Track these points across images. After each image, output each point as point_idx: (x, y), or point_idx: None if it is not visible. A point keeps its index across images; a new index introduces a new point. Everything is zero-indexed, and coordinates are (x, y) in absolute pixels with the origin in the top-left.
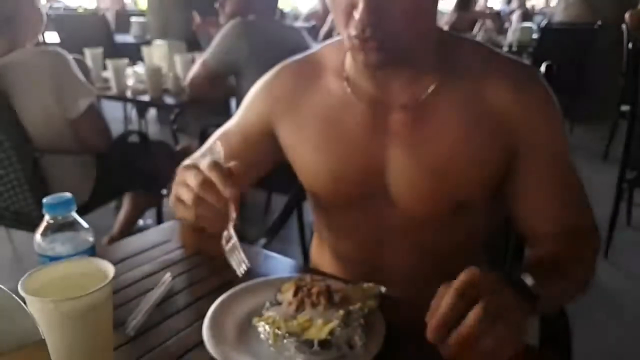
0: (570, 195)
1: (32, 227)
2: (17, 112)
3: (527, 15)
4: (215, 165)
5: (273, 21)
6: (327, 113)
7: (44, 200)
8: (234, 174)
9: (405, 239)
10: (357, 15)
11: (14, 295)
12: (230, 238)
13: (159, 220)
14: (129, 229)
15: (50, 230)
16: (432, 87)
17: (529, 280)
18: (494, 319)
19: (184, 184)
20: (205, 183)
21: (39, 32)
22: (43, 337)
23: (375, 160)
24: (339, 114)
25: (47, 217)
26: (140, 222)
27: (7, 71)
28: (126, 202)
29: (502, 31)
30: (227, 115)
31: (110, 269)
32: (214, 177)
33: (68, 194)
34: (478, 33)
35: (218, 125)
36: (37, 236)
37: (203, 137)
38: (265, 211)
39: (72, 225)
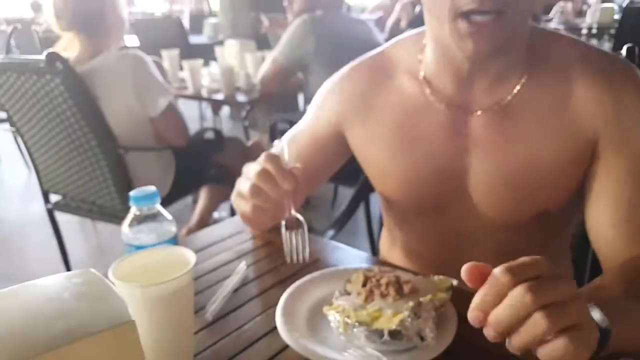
0: None
1: (115, 220)
2: (103, 111)
3: None
4: (273, 157)
5: (339, 15)
6: (402, 116)
7: (131, 193)
8: (294, 172)
9: (482, 244)
10: None
11: (105, 279)
12: (288, 227)
13: (233, 212)
14: (206, 220)
15: (137, 221)
16: (517, 88)
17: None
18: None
19: (245, 177)
20: (263, 173)
21: (122, 36)
22: (132, 319)
23: (454, 165)
24: (415, 117)
25: (133, 209)
26: (215, 214)
27: (94, 74)
28: (202, 196)
29: (582, 13)
30: (295, 110)
31: (191, 257)
32: (271, 168)
33: (153, 188)
34: (555, 15)
35: (287, 121)
36: (125, 227)
37: (273, 132)
38: (332, 203)
39: (156, 217)
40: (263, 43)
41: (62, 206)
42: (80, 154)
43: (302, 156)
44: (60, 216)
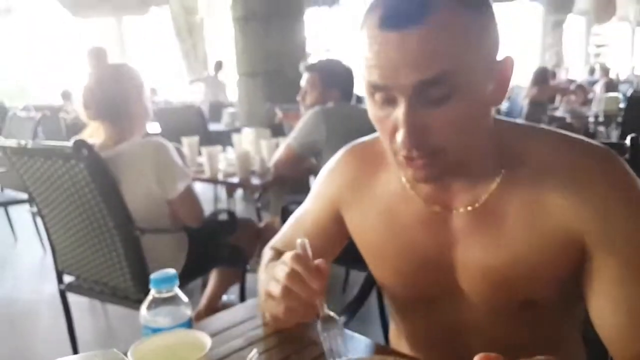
0: None
1: (127, 302)
2: (123, 194)
3: (611, 84)
4: (299, 257)
5: (349, 106)
6: (389, 206)
7: (152, 276)
8: (320, 268)
9: (478, 333)
10: (399, 137)
11: (129, 355)
12: (324, 326)
13: (242, 295)
14: (215, 304)
15: (155, 303)
16: (492, 188)
17: None
18: None
19: (273, 279)
20: (292, 274)
21: (145, 124)
22: None
23: (438, 258)
24: (401, 209)
25: (152, 291)
26: (225, 297)
27: (118, 159)
28: (212, 278)
29: (587, 102)
30: (306, 193)
31: (207, 340)
32: (299, 268)
33: (172, 270)
34: (560, 105)
35: (298, 203)
36: (143, 309)
37: (284, 214)
38: (343, 287)
39: (174, 299)
40: (278, 131)
41: (75, 287)
42: (97, 235)
43: (306, 236)
44: (70, 297)
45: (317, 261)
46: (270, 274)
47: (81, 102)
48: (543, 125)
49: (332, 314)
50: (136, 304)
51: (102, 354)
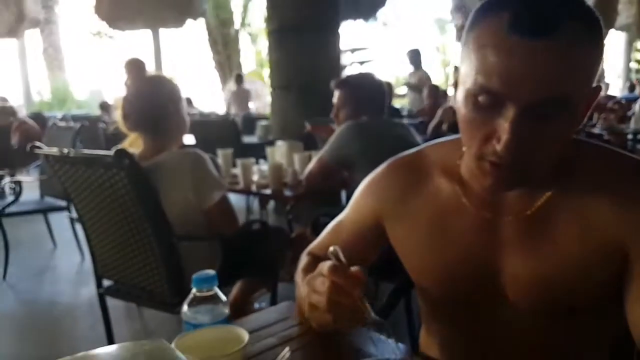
0: None
1: (163, 306)
2: (162, 202)
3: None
4: (336, 268)
5: (382, 120)
6: (438, 216)
7: (194, 275)
8: (357, 276)
9: (514, 339)
10: (499, 146)
11: (172, 346)
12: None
13: (274, 303)
14: (238, 308)
15: (196, 301)
16: (546, 197)
17: None
18: None
19: (315, 292)
20: (333, 286)
21: (183, 136)
22: None
23: (486, 265)
24: (450, 218)
25: (194, 290)
26: (256, 305)
27: (157, 169)
28: (239, 285)
29: (625, 119)
30: (337, 205)
31: (245, 335)
32: (338, 279)
33: (212, 271)
34: (597, 122)
35: (329, 215)
36: (185, 306)
37: (315, 226)
38: (374, 298)
39: (213, 298)
40: (311, 144)
41: (113, 291)
42: (136, 242)
43: (345, 245)
44: (108, 301)
45: (353, 269)
46: (311, 286)
47: (120, 113)
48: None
49: (377, 318)
50: (171, 307)
51: (151, 342)
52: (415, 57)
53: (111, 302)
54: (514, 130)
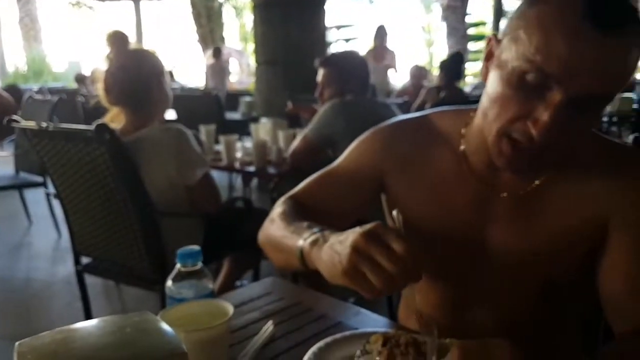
0: None
1: (143, 283)
2: (143, 178)
3: (628, 85)
4: (410, 250)
5: (366, 99)
6: (438, 181)
7: (178, 251)
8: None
9: (494, 309)
10: (534, 129)
11: (158, 318)
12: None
13: (256, 279)
14: (228, 290)
15: (180, 276)
16: (542, 178)
17: None
18: None
19: (369, 258)
20: (400, 265)
21: (166, 111)
22: (185, 351)
23: (477, 236)
24: (450, 186)
25: (178, 265)
26: (238, 283)
27: (139, 144)
28: (226, 265)
29: None
30: None
31: (229, 308)
32: (410, 263)
33: (197, 247)
34: None
35: None
36: (169, 281)
37: None
38: None
39: (198, 274)
40: (295, 122)
41: (92, 268)
42: (116, 218)
43: (337, 191)
44: (85, 278)
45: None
46: (365, 250)
47: (102, 87)
48: None
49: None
50: (151, 284)
51: (138, 314)
52: (378, 33)
53: (89, 279)
54: (554, 117)
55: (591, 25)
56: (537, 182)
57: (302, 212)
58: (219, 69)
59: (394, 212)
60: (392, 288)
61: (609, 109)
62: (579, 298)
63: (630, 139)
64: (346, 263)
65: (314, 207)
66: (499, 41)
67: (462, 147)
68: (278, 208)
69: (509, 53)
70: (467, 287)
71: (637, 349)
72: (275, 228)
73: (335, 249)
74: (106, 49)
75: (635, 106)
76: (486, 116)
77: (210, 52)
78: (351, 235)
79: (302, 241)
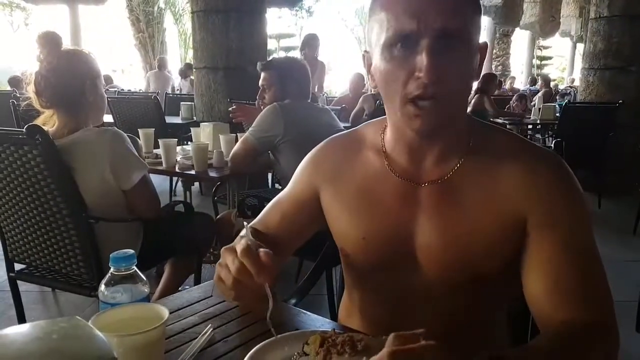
0: (581, 287)
1: (79, 289)
2: (78, 182)
3: (550, 94)
4: (248, 252)
5: (305, 104)
6: (365, 183)
7: (111, 254)
8: (265, 260)
9: (428, 304)
10: (421, 74)
11: (88, 324)
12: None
13: (198, 284)
14: (170, 295)
15: (113, 280)
16: (457, 166)
17: None
18: None
19: (225, 266)
20: (242, 268)
21: (100, 114)
22: (115, 356)
23: (404, 228)
24: (375, 185)
25: (112, 269)
26: (181, 288)
27: (72, 147)
28: (168, 269)
29: (527, 111)
30: (264, 187)
31: (164, 312)
32: (247, 264)
33: (131, 250)
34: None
35: (255, 197)
36: (102, 286)
37: (241, 207)
38: (296, 277)
39: (132, 278)
40: (237, 127)
41: (26, 275)
42: (50, 223)
43: (285, 219)
44: (20, 287)
45: (263, 253)
46: (223, 260)
47: (33, 89)
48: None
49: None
50: (89, 290)
51: (65, 320)
52: (307, 43)
53: (24, 286)
54: (431, 56)
55: None
56: (454, 168)
57: (262, 237)
58: (162, 77)
59: (245, 223)
60: (241, 287)
61: (533, 116)
62: (508, 293)
63: (552, 143)
64: (215, 274)
65: (269, 233)
66: (368, 52)
67: (382, 147)
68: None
69: (376, 43)
70: (402, 284)
71: (555, 347)
72: None
73: None
74: (37, 51)
75: (557, 114)
76: (388, 98)
77: (155, 62)
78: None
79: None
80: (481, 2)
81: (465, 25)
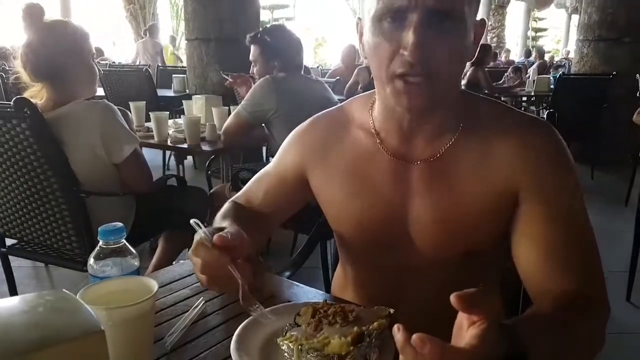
0: (572, 258)
1: (72, 264)
2: (68, 156)
3: (545, 66)
4: (198, 248)
5: (298, 76)
6: (355, 163)
7: (100, 228)
8: (222, 244)
9: (422, 279)
10: (406, 52)
11: (75, 297)
12: (245, 298)
13: None
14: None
15: (103, 254)
16: (449, 144)
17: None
18: None
19: (194, 261)
20: (203, 264)
21: (91, 86)
22: (102, 329)
23: (397, 208)
24: (366, 164)
25: (100, 243)
26: (174, 263)
27: (62, 120)
28: (162, 243)
29: (522, 83)
30: (258, 161)
31: (154, 285)
32: (203, 258)
33: (120, 223)
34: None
35: (249, 170)
36: (91, 259)
37: (235, 181)
38: (292, 251)
39: (122, 251)
40: (230, 99)
41: (18, 250)
42: (40, 198)
43: (269, 194)
44: (13, 262)
45: (216, 238)
46: (194, 250)
47: (20, 62)
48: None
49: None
50: (82, 265)
51: (52, 293)
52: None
53: (16, 262)
54: (418, 34)
55: None
56: (447, 145)
57: (240, 213)
58: (153, 48)
59: (191, 221)
60: (211, 280)
61: (528, 88)
62: (500, 266)
63: (545, 114)
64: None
65: (252, 208)
66: (361, 20)
67: (372, 125)
68: (219, 212)
69: (366, 14)
70: (396, 261)
71: (553, 318)
72: None
73: None
74: (22, 24)
75: (552, 87)
76: (375, 72)
77: (145, 28)
78: None
79: None
80: None
81: (459, 4)
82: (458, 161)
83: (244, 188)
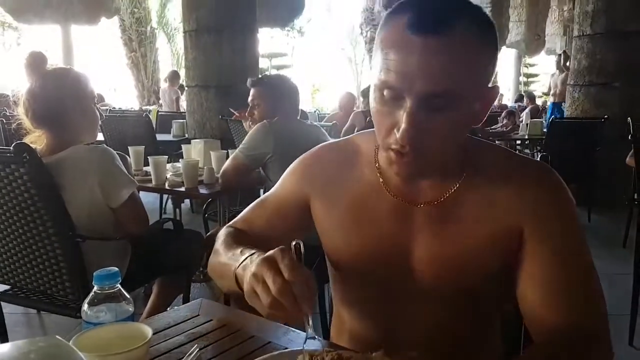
0: (576, 295)
1: (64, 310)
2: (66, 200)
3: (537, 110)
4: (297, 275)
5: (295, 121)
6: (358, 198)
7: (95, 272)
8: (312, 285)
9: (419, 319)
10: (398, 133)
11: (68, 343)
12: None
13: (187, 302)
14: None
15: (97, 299)
16: (454, 188)
17: None
18: None
19: (262, 281)
20: (284, 290)
21: (93, 131)
22: None
23: (399, 249)
24: (369, 201)
25: (95, 288)
26: (169, 309)
27: (61, 164)
28: (156, 289)
29: (516, 127)
30: None
31: (148, 331)
32: (295, 289)
33: (115, 268)
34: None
35: None
36: (85, 305)
37: None
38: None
39: (116, 296)
40: (228, 143)
41: (10, 296)
42: (35, 242)
43: (270, 219)
44: (4, 307)
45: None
46: (259, 273)
47: (22, 108)
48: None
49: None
50: (75, 311)
51: (45, 339)
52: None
53: (7, 308)
54: (410, 120)
55: (412, 33)
56: (451, 190)
57: (242, 238)
58: (167, 95)
59: (293, 243)
60: (280, 309)
61: (521, 132)
62: (500, 308)
63: (538, 157)
64: (246, 285)
65: (251, 233)
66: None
67: (376, 163)
68: (220, 238)
69: (374, 71)
70: (394, 301)
71: (550, 356)
72: (216, 256)
73: (246, 271)
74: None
75: (545, 130)
76: (376, 131)
77: (166, 75)
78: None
79: (236, 266)
80: None
81: (463, 86)
82: (461, 206)
83: (244, 212)
